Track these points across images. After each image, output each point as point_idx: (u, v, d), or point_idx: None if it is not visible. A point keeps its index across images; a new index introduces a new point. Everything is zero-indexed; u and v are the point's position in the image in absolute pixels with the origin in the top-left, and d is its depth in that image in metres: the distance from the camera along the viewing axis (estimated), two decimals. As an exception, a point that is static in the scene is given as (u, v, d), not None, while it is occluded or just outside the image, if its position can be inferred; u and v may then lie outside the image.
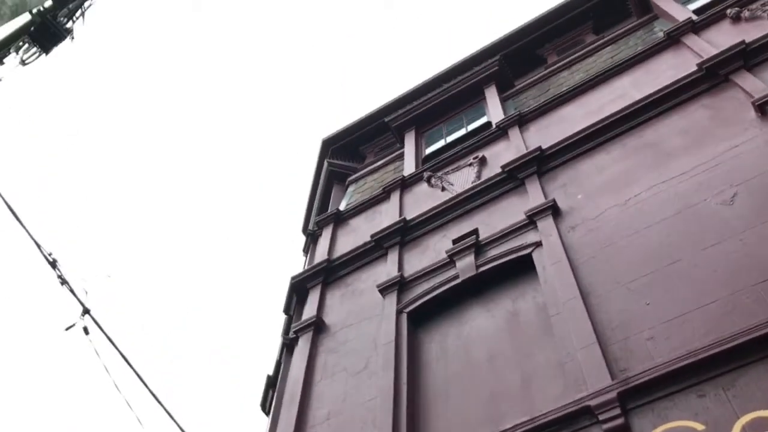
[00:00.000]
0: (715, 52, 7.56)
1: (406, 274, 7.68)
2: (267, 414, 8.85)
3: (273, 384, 8.61)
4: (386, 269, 8.01)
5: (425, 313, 7.13)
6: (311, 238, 10.14)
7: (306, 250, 10.35)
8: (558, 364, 5.50)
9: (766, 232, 5.34)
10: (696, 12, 9.21)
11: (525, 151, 8.18)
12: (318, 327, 7.83)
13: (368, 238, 8.61)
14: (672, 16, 9.44)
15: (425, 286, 7.37)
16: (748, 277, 5.07)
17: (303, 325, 7.95)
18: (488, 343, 6.33)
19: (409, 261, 7.99)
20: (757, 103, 6.49)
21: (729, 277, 5.18)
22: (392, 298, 7.41)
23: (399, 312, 7.19)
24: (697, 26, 8.54)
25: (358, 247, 8.68)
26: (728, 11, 8.32)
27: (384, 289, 7.59)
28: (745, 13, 8.09)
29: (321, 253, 9.25)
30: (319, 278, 8.64)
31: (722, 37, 7.96)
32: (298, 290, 8.82)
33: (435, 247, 7.90)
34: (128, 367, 7.51)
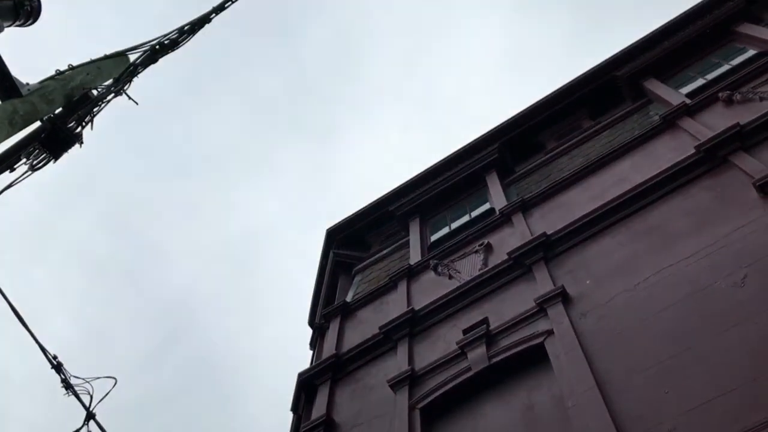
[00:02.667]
0: (711, 134, 7.69)
1: (417, 368, 7.53)
2: None
3: (283, 487, 8.28)
4: (396, 363, 7.86)
5: (439, 407, 6.94)
6: (318, 332, 10.02)
7: (313, 345, 10.21)
8: (579, 459, 5.30)
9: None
10: (688, 96, 9.43)
11: (530, 237, 8.19)
12: (328, 427, 7.62)
13: (377, 330, 8.49)
14: (665, 100, 9.68)
15: (437, 379, 7.21)
16: (754, 367, 4.95)
17: (313, 425, 7.73)
18: (504, 437, 6.13)
19: (420, 353, 7.85)
20: (757, 184, 6.55)
21: (749, 362, 5.07)
22: (404, 394, 7.24)
23: (411, 408, 7.01)
24: (691, 109, 8.73)
25: (366, 340, 8.56)
26: (720, 94, 8.52)
27: (394, 385, 7.42)
28: (737, 96, 8.29)
29: (329, 347, 9.11)
30: (327, 374, 8.47)
31: (717, 120, 8.12)
32: (307, 387, 8.63)
33: (445, 338, 7.78)
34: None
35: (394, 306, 9.03)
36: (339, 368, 8.49)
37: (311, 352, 10.26)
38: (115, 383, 9.03)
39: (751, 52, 9.64)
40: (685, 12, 11.27)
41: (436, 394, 7.03)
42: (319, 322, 10.19)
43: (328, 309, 10.15)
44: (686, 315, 5.86)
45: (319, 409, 7.98)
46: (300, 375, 8.69)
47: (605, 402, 5.50)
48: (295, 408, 8.82)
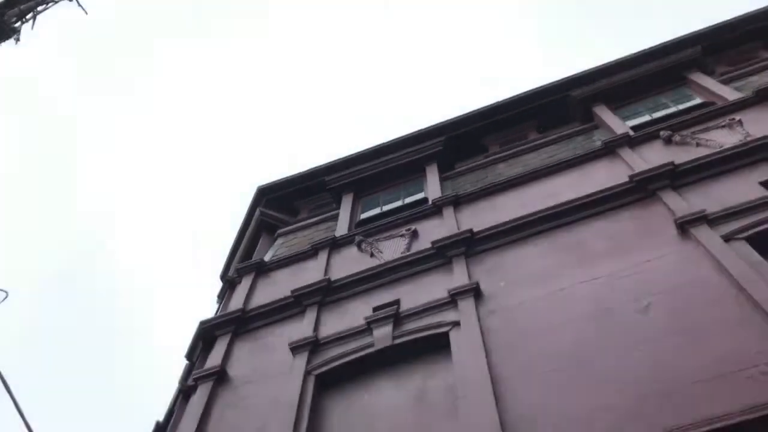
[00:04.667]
0: (646, 167, 7.96)
1: (321, 336, 7.50)
2: (148, 463, 8.29)
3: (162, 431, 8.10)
4: (301, 328, 7.80)
5: (334, 377, 6.93)
6: (229, 285, 9.83)
7: (221, 297, 10.02)
8: (461, 448, 5.39)
9: (674, 344, 5.49)
10: (633, 128, 9.71)
11: (456, 231, 8.28)
12: (220, 378, 7.49)
13: (288, 293, 8.41)
14: (611, 128, 9.96)
15: (339, 350, 7.20)
16: (654, 386, 5.16)
17: (204, 373, 7.59)
18: (392, 418, 6.17)
19: (326, 323, 7.82)
20: (678, 222, 6.81)
21: (637, 383, 5.26)
22: (303, 359, 7.19)
23: (308, 373, 6.97)
24: (632, 141, 9.01)
25: (276, 301, 8.46)
26: (662, 133, 8.83)
27: (295, 348, 7.37)
28: (677, 137, 8.60)
29: (236, 301, 8.95)
30: (230, 327, 8.33)
31: (654, 156, 8.40)
32: (206, 337, 8.46)
33: (355, 312, 7.77)
34: None
35: (310, 273, 8.95)
36: (243, 323, 8.36)
37: (217, 305, 10.06)
38: (6, 296, 8.63)
39: (697, 100, 10.02)
40: (646, 49, 11.61)
41: (335, 363, 7.02)
42: (231, 276, 10.00)
43: (243, 264, 9.98)
44: (588, 330, 6.04)
45: (214, 360, 7.84)
46: (201, 323, 8.51)
47: (495, 397, 5.60)
48: (190, 355, 8.64)
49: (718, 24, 11.58)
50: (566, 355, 5.86)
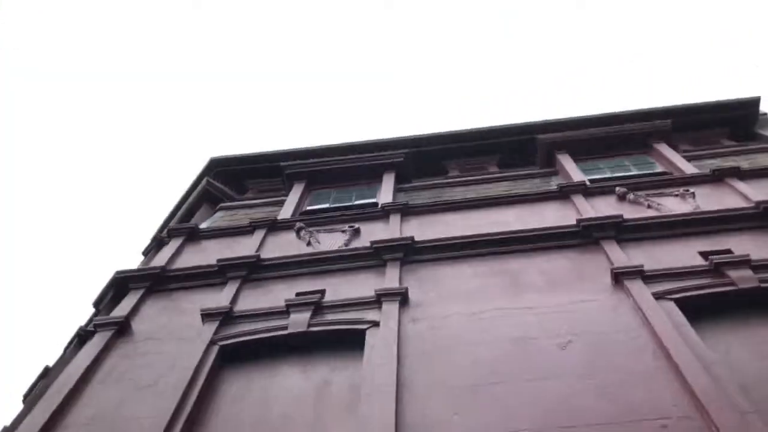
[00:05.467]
0: (594, 215, 8.00)
1: (236, 309, 7.22)
2: (26, 405, 7.79)
3: (46, 375, 7.64)
4: (218, 298, 7.51)
5: (239, 352, 6.65)
6: (156, 243, 9.47)
7: (146, 253, 9.63)
8: (349, 443, 5.18)
9: (586, 384, 5.43)
10: (591, 181, 9.80)
11: (397, 236, 8.15)
12: (122, 329, 7.13)
13: (214, 262, 8.11)
14: (570, 176, 10.04)
15: (251, 326, 6.93)
16: (557, 419, 5.08)
17: (107, 321, 7.22)
18: (290, 404, 5.93)
19: (245, 298, 7.55)
20: (614, 271, 6.82)
21: (541, 414, 5.17)
22: (212, 327, 6.90)
23: (213, 342, 6.68)
24: (587, 191, 9.08)
25: (200, 266, 8.16)
26: (617, 189, 8.92)
27: (207, 315, 7.07)
28: (630, 196, 8.69)
29: (159, 260, 8.60)
30: (145, 283, 7.97)
31: (605, 207, 8.47)
32: (119, 287, 8.08)
33: (277, 294, 7.51)
34: None
35: (242, 248, 8.68)
36: (160, 281, 8.01)
37: (140, 261, 9.65)
38: None
39: (657, 168, 10.20)
40: (619, 112, 11.84)
41: (243, 338, 6.76)
42: (161, 235, 9.64)
43: (176, 226, 9.65)
44: (505, 355, 5.94)
45: (120, 311, 7.47)
46: (117, 272, 8.13)
47: (396, 403, 5.43)
48: (97, 303, 8.23)
49: (689, 104, 11.92)
50: (478, 375, 5.74)
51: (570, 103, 38.81)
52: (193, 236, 9.35)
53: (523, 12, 38.17)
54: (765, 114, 11.84)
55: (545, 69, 39.56)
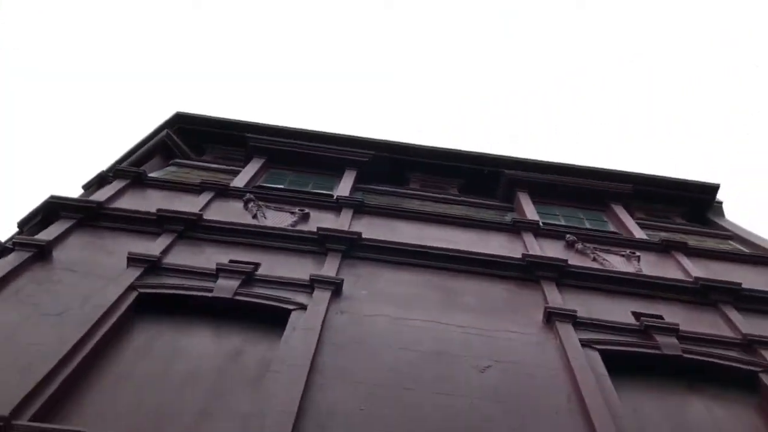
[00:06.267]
0: (541, 254, 8.03)
1: (165, 261, 6.97)
2: None
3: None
4: (149, 246, 7.23)
5: (156, 303, 6.40)
6: (99, 180, 9.12)
7: (86, 188, 9.25)
8: (246, 415, 5.00)
9: (495, 411, 5.39)
10: (544, 223, 9.86)
11: (345, 229, 8.03)
12: (42, 253, 6.79)
13: (154, 210, 7.83)
14: (525, 214, 10.11)
15: (176, 281, 6.69)
16: (458, 436, 5.01)
17: (27, 241, 6.87)
18: (196, 366, 5.70)
19: (177, 253, 7.29)
20: (548, 310, 6.84)
21: (444, 427, 5.10)
22: (135, 272, 6.63)
23: (132, 287, 6.41)
24: (539, 231, 9.14)
25: (138, 211, 7.86)
26: (568, 236, 9.00)
27: (133, 260, 6.80)
28: (579, 245, 8.77)
29: (98, 196, 8.27)
30: (78, 214, 7.63)
31: (552, 250, 8.53)
32: (49, 213, 7.71)
33: (210, 257, 7.28)
34: None
35: (185, 205, 8.40)
36: (93, 217, 7.68)
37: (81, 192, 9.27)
38: None
39: (609, 227, 10.35)
40: (585, 166, 12.01)
41: (164, 291, 6.51)
42: (107, 173, 9.28)
43: (123, 167, 9.32)
44: (423, 365, 5.87)
45: (45, 235, 7.11)
46: (52, 197, 7.76)
47: (305, 386, 5.29)
48: (23, 223, 7.85)
49: (652, 176, 12.16)
50: (392, 377, 5.64)
51: (568, 104, 39.23)
52: (138, 182, 9.03)
53: (523, 12, 38.56)
54: (720, 202, 12.18)
55: (545, 69, 40.01)
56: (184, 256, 7.23)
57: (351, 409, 5.17)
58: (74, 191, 8.71)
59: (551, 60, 39.99)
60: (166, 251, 7.18)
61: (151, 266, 6.79)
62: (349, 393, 5.37)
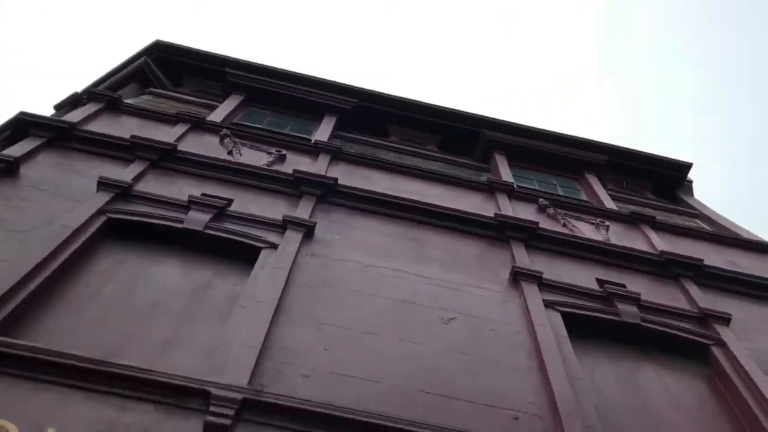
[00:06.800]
0: (512, 215, 8.09)
1: (136, 188, 6.86)
2: None
3: None
4: (121, 172, 7.10)
5: (127, 231, 6.31)
6: (72, 101, 8.87)
7: (58, 108, 8.99)
8: (211, 346, 5.01)
9: (455, 360, 5.48)
10: (518, 186, 9.91)
11: (322, 174, 7.97)
12: (9, 169, 6.60)
13: (128, 136, 7.67)
14: (501, 175, 10.15)
15: (147, 209, 6.59)
16: (419, 383, 5.11)
17: (-5, 156, 6.68)
18: (162, 295, 5.67)
19: (149, 181, 7.17)
20: (515, 270, 6.93)
21: (405, 373, 5.19)
22: (105, 196, 6.52)
23: (101, 211, 6.31)
24: (512, 193, 9.19)
25: (111, 136, 7.68)
26: (540, 200, 9.08)
27: (104, 184, 6.67)
28: (550, 210, 8.86)
29: (71, 117, 8.05)
30: (49, 133, 7.42)
31: (524, 212, 8.58)
32: (18, 129, 7.46)
33: (182, 189, 7.17)
34: None
35: (160, 134, 8.21)
36: (65, 138, 7.48)
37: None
38: None
39: (582, 196, 10.47)
40: (565, 134, 12.05)
41: (134, 218, 6.42)
42: (81, 95, 9.03)
43: (97, 90, 9.06)
44: (389, 313, 5.93)
45: (13, 151, 6.90)
46: (22, 113, 7.52)
47: (271, 322, 5.31)
48: (-11, 138, 7.61)
49: (627, 149, 12.28)
50: (357, 322, 5.69)
51: (566, 102, 39.30)
52: (113, 106, 8.80)
53: (523, 12, 38.23)
54: (691, 182, 12.38)
55: (545, 68, 39.95)
56: (156, 186, 7.12)
57: (315, 348, 5.22)
58: (45, 111, 8.46)
59: (550, 59, 39.83)
60: (137, 179, 7.06)
61: (122, 192, 6.67)
62: (314, 333, 5.41)
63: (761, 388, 5.88)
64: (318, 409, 4.43)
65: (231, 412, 4.24)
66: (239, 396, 4.34)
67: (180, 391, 4.32)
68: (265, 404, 4.38)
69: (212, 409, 4.24)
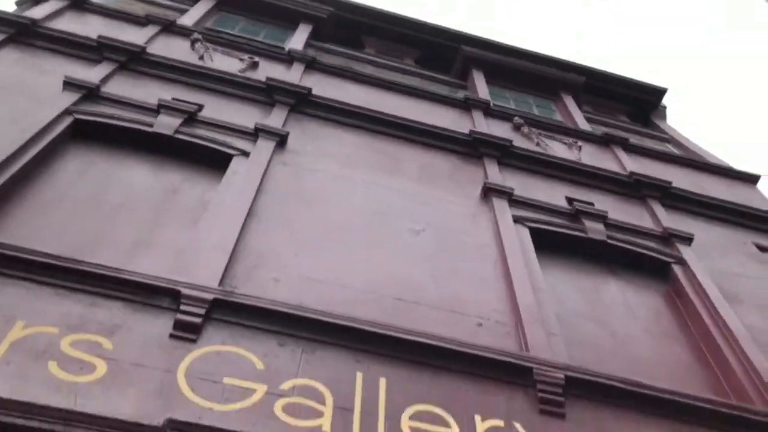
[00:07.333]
0: (487, 132, 8.07)
1: (104, 89, 6.66)
2: None
3: None
4: (87, 72, 6.87)
5: (95, 133, 6.18)
6: (36, -5, 8.44)
7: (20, 4, 8.56)
8: (181, 249, 5.01)
9: (424, 270, 5.58)
10: (494, 105, 9.85)
11: (296, 83, 7.81)
12: (-32, 64, 6.36)
13: (95, 37, 7.38)
14: (478, 92, 10.06)
15: (115, 111, 6.43)
16: (389, 289, 5.21)
17: (-47, 50, 6.40)
18: (131, 198, 5.61)
19: (117, 84, 6.96)
20: (487, 185, 6.99)
21: (375, 280, 5.27)
22: (72, 97, 6.33)
23: (68, 111, 6.14)
24: (488, 110, 9.15)
25: (77, 35, 7.39)
26: (515, 119, 9.06)
27: (70, 84, 6.46)
28: (525, 129, 8.86)
29: (33, 13, 7.69)
30: (9, 29, 7.10)
31: (498, 130, 8.58)
32: (-23, 24, 7.15)
33: (152, 92, 6.98)
34: None
35: (128, 35, 7.91)
36: (27, 34, 7.18)
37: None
38: None
39: (557, 116, 10.46)
40: (543, 54, 11.91)
41: (102, 119, 6.27)
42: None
43: (62, -13, 8.63)
44: (360, 222, 5.96)
45: (-28, 46, 6.64)
46: (-20, 6, 7.17)
47: (242, 226, 5.31)
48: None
49: (604, 71, 12.20)
50: (329, 230, 5.73)
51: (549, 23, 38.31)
52: (78, 4, 8.42)
53: None
54: (664, 107, 12.41)
55: None
56: (125, 88, 6.92)
57: (286, 254, 5.26)
58: (7, 6, 8.06)
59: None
60: (105, 80, 6.85)
61: (89, 93, 6.48)
62: (284, 240, 5.44)
63: (717, 305, 6.12)
64: (288, 311, 4.50)
65: (201, 311, 4.29)
66: (210, 296, 4.39)
67: (150, 290, 4.35)
68: (236, 304, 4.43)
69: (183, 308, 4.28)
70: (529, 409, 4.48)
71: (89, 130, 6.19)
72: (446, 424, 4.16)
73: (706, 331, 5.97)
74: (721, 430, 4.77)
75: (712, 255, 7.13)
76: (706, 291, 6.32)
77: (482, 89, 10.36)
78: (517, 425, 4.32)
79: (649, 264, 6.78)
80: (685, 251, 6.92)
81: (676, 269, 6.67)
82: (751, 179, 9.39)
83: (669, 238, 7.06)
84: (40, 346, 3.81)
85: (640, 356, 5.61)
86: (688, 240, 7.08)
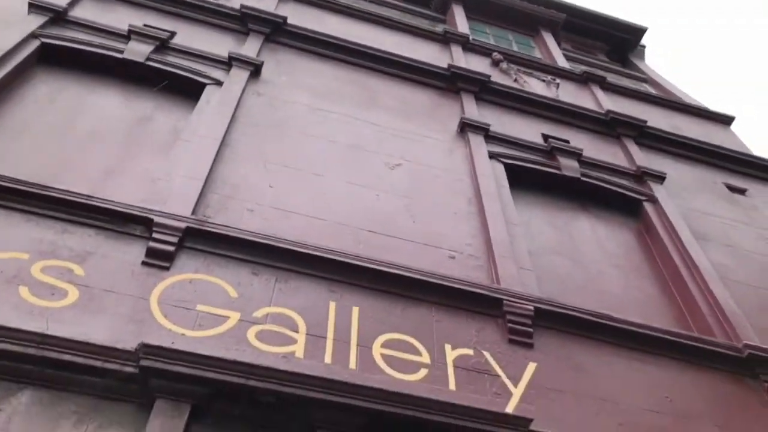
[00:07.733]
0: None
1: (72, 13, 6.44)
2: None
3: None
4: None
5: (63, 59, 6.00)
6: None
7: None
8: (153, 177, 4.95)
9: (399, 203, 5.59)
10: (474, 40, 9.73)
11: (271, 12, 7.61)
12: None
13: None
14: (457, 26, 9.90)
15: (84, 36, 6.23)
16: (364, 222, 5.21)
17: None
18: (103, 125, 5.51)
19: (86, 8, 6.72)
20: (463, 121, 6.95)
21: (351, 213, 5.27)
22: (38, 20, 6.11)
23: (34, 35, 5.93)
24: (467, 45, 9.04)
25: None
26: (494, 54, 8.98)
27: (36, 6, 6.23)
28: (504, 65, 8.79)
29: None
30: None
31: (477, 65, 8.50)
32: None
33: (122, 18, 6.76)
34: None
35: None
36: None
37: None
38: None
39: (536, 53, 10.37)
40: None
41: (71, 44, 6.08)
42: None
43: None
44: (335, 155, 5.93)
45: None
46: None
47: (215, 156, 5.25)
48: None
49: (584, 9, 12.05)
50: (303, 163, 5.68)
51: None
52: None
53: None
54: (644, 46, 12.36)
55: None
56: (93, 13, 6.69)
57: (260, 185, 5.23)
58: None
59: None
60: (72, 4, 6.60)
61: (56, 17, 6.26)
62: (259, 170, 5.39)
63: (685, 242, 6.25)
64: (262, 240, 4.50)
65: (174, 240, 4.28)
66: (182, 225, 4.37)
67: (122, 218, 4.31)
68: (209, 233, 4.43)
69: (155, 236, 4.26)
70: (498, 339, 4.59)
71: (57, 56, 6.01)
72: (417, 352, 4.26)
73: (674, 267, 6.11)
74: (684, 361, 4.95)
75: (683, 194, 7.24)
76: (675, 228, 6.44)
77: (462, 23, 10.20)
78: (486, 354, 4.43)
79: (621, 201, 6.87)
80: (657, 189, 7.01)
81: (647, 207, 6.77)
82: (726, 120, 9.47)
83: (642, 176, 7.14)
84: (10, 271, 3.79)
85: (609, 290, 5.74)
86: (660, 179, 7.17)
